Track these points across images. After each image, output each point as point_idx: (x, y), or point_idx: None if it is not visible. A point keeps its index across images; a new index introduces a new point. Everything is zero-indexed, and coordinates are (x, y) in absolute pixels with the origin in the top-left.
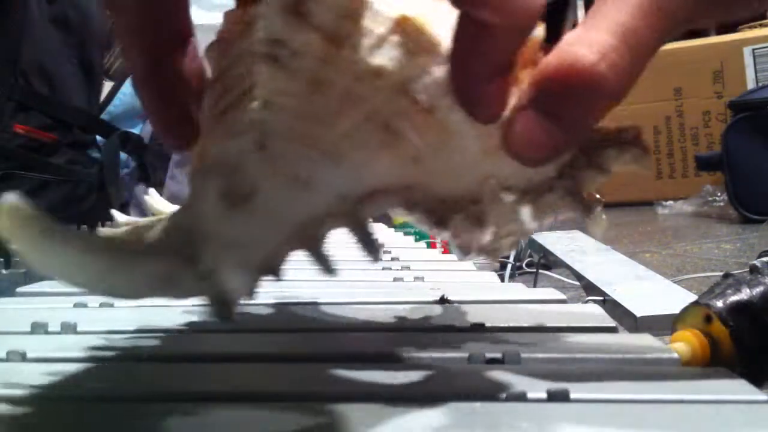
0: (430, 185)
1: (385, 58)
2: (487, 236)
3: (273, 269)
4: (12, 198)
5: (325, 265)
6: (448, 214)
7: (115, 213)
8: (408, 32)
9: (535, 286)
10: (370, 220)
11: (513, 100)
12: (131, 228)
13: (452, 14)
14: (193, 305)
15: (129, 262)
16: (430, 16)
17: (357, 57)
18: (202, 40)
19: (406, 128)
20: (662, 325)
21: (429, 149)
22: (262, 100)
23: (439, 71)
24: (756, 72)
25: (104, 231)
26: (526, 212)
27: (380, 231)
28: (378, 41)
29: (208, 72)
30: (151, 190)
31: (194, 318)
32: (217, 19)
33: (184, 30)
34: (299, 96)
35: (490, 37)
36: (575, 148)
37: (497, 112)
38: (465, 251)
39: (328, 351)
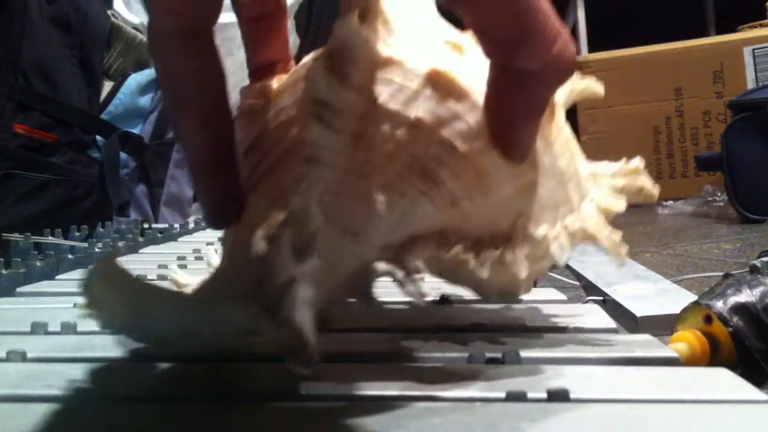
0: (467, 226)
1: (420, 110)
2: (523, 271)
3: (327, 319)
4: (103, 262)
5: (369, 301)
6: (484, 252)
7: (174, 271)
8: (439, 84)
9: (535, 286)
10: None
11: None
12: (201, 285)
13: (477, 65)
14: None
15: (219, 317)
16: (457, 69)
17: (394, 111)
18: None
19: (444, 173)
20: (662, 326)
21: (465, 192)
22: (310, 157)
23: (472, 117)
24: (756, 72)
25: (176, 285)
26: (555, 246)
27: None
28: (413, 95)
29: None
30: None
31: None
32: None
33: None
34: (344, 151)
35: (530, 84)
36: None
37: (530, 151)
38: (494, 290)
39: (328, 351)
